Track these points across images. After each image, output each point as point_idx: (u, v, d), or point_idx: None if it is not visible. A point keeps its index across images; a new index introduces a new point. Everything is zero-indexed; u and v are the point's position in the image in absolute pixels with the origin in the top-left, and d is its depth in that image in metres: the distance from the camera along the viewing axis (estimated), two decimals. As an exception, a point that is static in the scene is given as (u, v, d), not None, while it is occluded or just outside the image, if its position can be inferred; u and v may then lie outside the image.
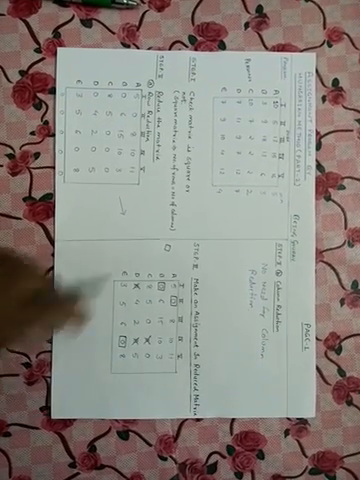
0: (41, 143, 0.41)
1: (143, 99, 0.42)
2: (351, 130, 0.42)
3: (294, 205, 0.42)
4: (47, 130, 0.41)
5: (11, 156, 0.41)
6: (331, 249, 0.42)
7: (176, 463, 0.41)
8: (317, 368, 0.42)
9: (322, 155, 0.42)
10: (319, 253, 0.42)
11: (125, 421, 0.41)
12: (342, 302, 0.42)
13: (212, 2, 0.42)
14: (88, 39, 0.42)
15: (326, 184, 0.42)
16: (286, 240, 0.42)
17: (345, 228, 0.42)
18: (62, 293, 0.35)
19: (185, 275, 0.41)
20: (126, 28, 0.42)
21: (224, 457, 0.41)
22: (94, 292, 0.39)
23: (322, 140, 0.42)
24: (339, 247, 0.42)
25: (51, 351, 0.40)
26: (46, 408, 0.41)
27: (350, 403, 0.42)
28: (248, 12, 0.42)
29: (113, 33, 0.42)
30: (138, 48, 0.42)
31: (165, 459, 0.41)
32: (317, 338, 0.42)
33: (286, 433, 0.42)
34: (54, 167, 0.41)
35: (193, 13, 0.42)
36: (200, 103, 0.42)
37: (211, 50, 0.42)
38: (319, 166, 0.42)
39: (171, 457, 0.41)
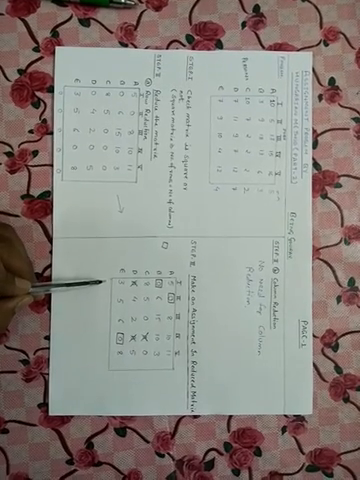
0: (39, 141, 0.42)
1: (141, 98, 0.42)
2: (347, 128, 0.43)
3: (291, 203, 0.42)
4: (45, 128, 0.42)
5: (10, 154, 0.41)
6: (328, 246, 0.42)
7: (173, 460, 0.41)
8: (314, 365, 0.42)
9: (319, 153, 0.43)
10: (316, 250, 0.42)
11: (122, 418, 0.41)
12: (339, 299, 0.42)
13: (209, 2, 0.43)
14: (86, 38, 0.42)
15: (323, 182, 0.43)
16: (283, 237, 0.42)
17: (341, 226, 0.42)
18: None
19: (182, 272, 0.41)
20: (124, 27, 0.42)
21: (221, 454, 0.41)
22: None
23: (319, 138, 0.43)
24: (336, 245, 0.42)
25: (49, 348, 0.41)
26: (44, 405, 0.41)
27: (347, 400, 0.42)
28: (245, 11, 0.43)
29: (111, 32, 0.42)
30: (136, 47, 0.42)
31: (162, 456, 0.41)
32: (314, 335, 0.42)
33: (283, 430, 0.42)
34: (52, 165, 0.41)
35: (190, 12, 0.42)
36: (197, 102, 0.42)
37: (208, 49, 0.42)
38: (316, 164, 0.43)
39: (168, 454, 0.41)
